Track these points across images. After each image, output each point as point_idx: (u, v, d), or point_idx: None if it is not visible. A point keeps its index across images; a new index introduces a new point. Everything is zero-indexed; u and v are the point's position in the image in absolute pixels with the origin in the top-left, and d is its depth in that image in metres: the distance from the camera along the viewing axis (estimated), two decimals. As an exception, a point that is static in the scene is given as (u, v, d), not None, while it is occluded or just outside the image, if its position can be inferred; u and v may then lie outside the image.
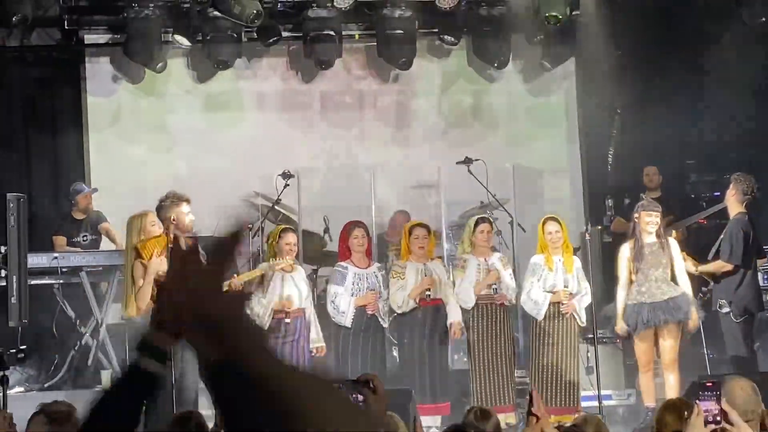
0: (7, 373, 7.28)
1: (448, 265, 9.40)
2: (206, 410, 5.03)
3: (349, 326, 8.55)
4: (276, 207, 10.49)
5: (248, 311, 1.57)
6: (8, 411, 5.65)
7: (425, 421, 8.00)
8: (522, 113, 11.93)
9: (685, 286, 8.47)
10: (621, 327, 8.52)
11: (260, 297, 8.37)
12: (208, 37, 10.98)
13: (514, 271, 9.07)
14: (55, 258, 9.30)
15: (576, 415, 7.00)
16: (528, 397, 4.51)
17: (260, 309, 8.33)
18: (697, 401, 3.96)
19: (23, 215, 8.34)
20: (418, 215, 10.15)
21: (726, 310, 8.87)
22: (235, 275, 8.18)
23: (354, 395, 3.14)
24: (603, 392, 8.59)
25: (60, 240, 10.08)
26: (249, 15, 10.34)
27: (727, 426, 3.95)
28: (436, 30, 11.43)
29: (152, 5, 10.68)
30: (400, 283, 8.64)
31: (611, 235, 10.68)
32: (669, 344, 8.38)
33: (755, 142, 10.85)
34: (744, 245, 8.84)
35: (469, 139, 11.58)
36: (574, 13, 11.01)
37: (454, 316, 8.60)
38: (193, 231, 8.04)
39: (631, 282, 8.49)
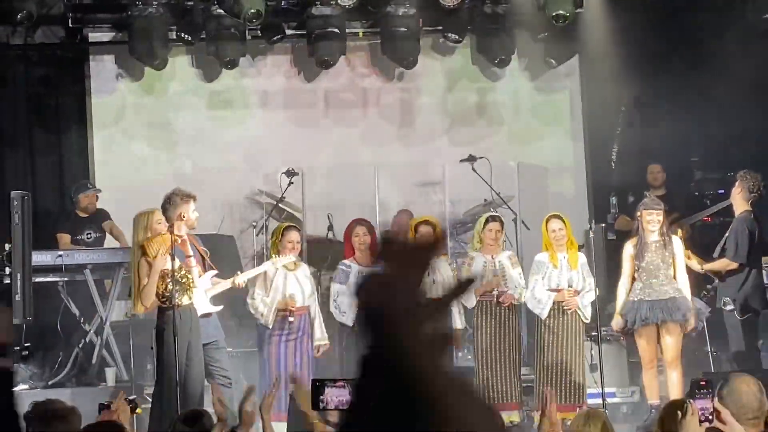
0: (11, 370, 7.28)
1: (452, 263, 9.39)
2: (211, 408, 5.01)
3: (351, 325, 8.54)
4: (280, 205, 10.50)
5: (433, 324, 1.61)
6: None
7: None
8: (526, 111, 11.92)
9: (684, 287, 8.47)
10: (617, 322, 8.54)
11: (264, 296, 8.37)
12: (212, 35, 10.98)
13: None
14: (60, 255, 9.30)
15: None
16: (538, 397, 4.52)
17: (264, 308, 8.33)
18: (691, 400, 3.97)
19: (27, 213, 8.34)
20: (422, 213, 10.14)
21: (730, 307, 8.87)
22: (238, 273, 8.19)
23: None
24: (607, 390, 8.58)
25: (64, 238, 10.09)
26: (247, 14, 10.33)
27: (720, 425, 3.95)
28: (440, 28, 11.41)
29: (156, 3, 10.67)
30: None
31: (615, 233, 10.66)
32: (671, 341, 8.38)
33: (760, 139, 10.83)
34: (749, 243, 8.83)
35: (473, 136, 11.57)
36: (578, 10, 10.99)
37: (456, 323, 8.58)
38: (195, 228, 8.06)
39: (633, 280, 8.49)
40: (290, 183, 10.36)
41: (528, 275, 8.83)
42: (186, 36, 10.99)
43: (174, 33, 11.02)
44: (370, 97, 11.82)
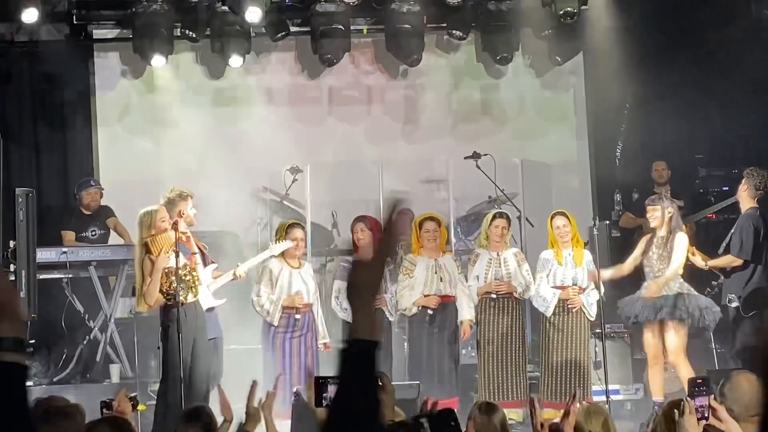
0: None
1: (457, 259, 9.38)
2: (216, 404, 5.00)
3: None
4: (284, 202, 10.50)
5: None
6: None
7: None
8: (530, 108, 11.92)
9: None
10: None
11: (269, 293, 8.37)
12: (216, 32, 10.99)
13: (525, 265, 9.05)
14: (64, 252, 9.31)
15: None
16: (530, 404, 4.52)
17: (270, 305, 8.33)
18: (688, 398, 3.98)
19: (32, 210, 8.35)
20: (426, 210, 10.13)
21: (735, 304, 8.87)
22: (238, 264, 8.19)
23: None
24: (611, 387, 8.57)
25: (68, 235, 10.10)
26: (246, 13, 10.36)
27: (715, 422, 3.95)
28: (445, 25, 11.41)
29: (160, 0, 10.68)
30: (408, 282, 8.59)
31: (619, 230, 10.66)
32: (673, 338, 8.37)
33: (764, 136, 10.81)
34: (754, 240, 8.82)
35: (477, 134, 11.57)
36: (582, 7, 10.98)
37: (465, 315, 8.57)
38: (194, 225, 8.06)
39: (636, 269, 8.58)
40: (294, 180, 10.36)
41: (534, 272, 8.82)
42: (190, 33, 10.99)
43: (178, 30, 11.03)
44: (374, 95, 11.82)
